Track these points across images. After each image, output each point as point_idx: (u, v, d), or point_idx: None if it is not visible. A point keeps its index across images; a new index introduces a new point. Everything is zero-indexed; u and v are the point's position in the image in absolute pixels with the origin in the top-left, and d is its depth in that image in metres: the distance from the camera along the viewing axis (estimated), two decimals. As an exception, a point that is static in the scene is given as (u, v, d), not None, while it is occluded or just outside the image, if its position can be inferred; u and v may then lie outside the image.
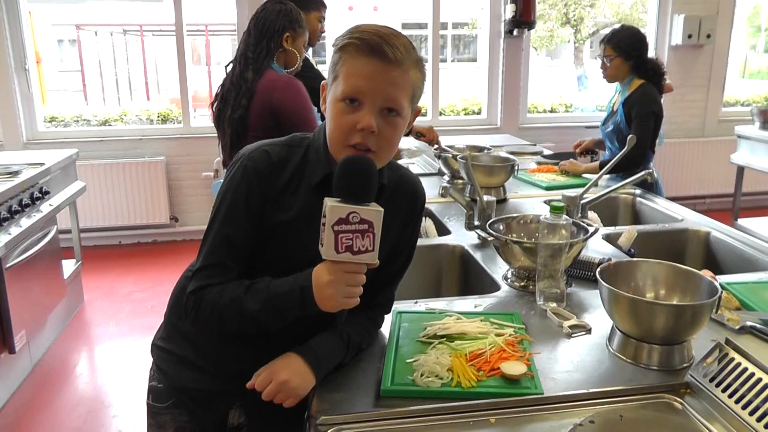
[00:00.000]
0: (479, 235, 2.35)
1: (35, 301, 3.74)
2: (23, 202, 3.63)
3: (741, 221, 5.67)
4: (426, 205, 2.85)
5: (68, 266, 4.47)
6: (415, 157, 4.05)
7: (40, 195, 3.85)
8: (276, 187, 1.39)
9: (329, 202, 1.21)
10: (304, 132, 1.51)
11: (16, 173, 3.76)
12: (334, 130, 1.35)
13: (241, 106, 2.86)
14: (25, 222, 3.61)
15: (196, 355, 1.54)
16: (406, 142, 4.15)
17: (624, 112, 3.48)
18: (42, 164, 4.01)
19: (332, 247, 1.22)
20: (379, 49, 1.29)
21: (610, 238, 2.42)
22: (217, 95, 3.04)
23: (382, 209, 1.23)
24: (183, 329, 1.56)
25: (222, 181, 1.45)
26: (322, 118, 1.56)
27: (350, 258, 1.23)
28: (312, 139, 1.46)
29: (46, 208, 3.89)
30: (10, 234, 3.41)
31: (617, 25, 3.66)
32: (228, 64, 3.07)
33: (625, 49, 3.46)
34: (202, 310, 1.38)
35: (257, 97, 2.86)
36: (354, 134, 1.32)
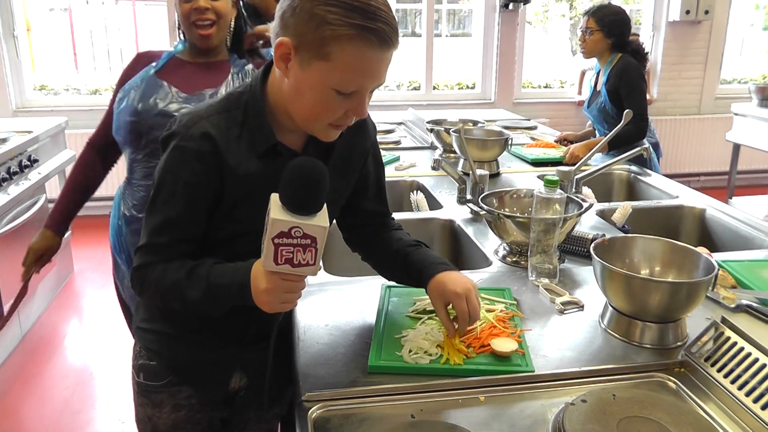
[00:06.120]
0: (471, 209, 2.32)
1: (24, 271, 3.69)
2: (11, 170, 3.59)
3: (735, 199, 5.65)
4: (417, 179, 2.84)
5: (57, 236, 4.43)
6: None
7: (29, 163, 3.80)
8: (218, 162, 1.30)
9: (271, 214, 1.13)
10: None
11: (4, 140, 3.70)
12: (321, 113, 1.26)
13: None
14: (14, 190, 3.58)
15: (186, 329, 1.49)
16: None
17: (607, 90, 3.43)
18: (30, 132, 3.95)
19: (271, 259, 1.15)
20: (388, 41, 1.20)
21: (604, 214, 2.39)
22: None
23: (328, 225, 1.15)
24: (162, 307, 1.50)
25: None
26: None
27: (290, 270, 1.16)
28: (248, 96, 1.34)
29: (34, 176, 3.85)
30: (-3, 202, 3.37)
31: (605, 1, 3.61)
32: None
33: (607, 25, 3.39)
34: (146, 288, 1.34)
35: None
36: (343, 119, 1.27)
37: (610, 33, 3.40)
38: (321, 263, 1.20)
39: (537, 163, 3.19)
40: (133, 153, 2.11)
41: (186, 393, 1.53)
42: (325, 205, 1.17)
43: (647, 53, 3.51)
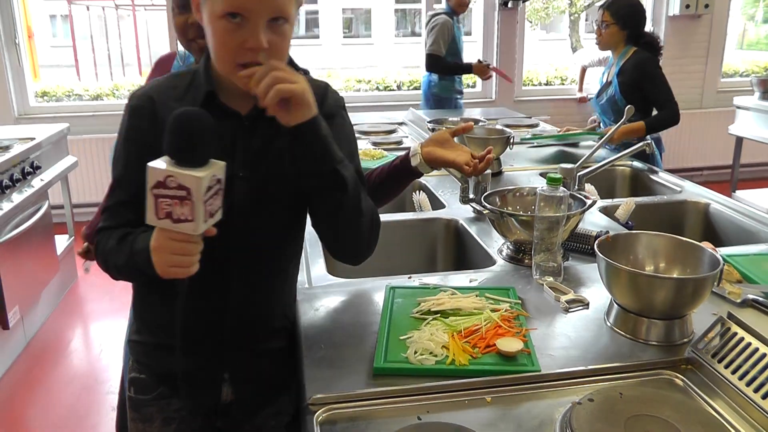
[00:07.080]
0: (474, 208, 2.31)
1: (28, 277, 3.72)
2: (14, 177, 3.59)
3: (739, 193, 5.65)
4: (420, 179, 2.83)
5: (61, 242, 4.44)
6: None
7: (32, 170, 3.80)
8: (153, 118, 1.31)
9: (150, 164, 1.11)
10: None
11: (6, 148, 3.70)
12: (219, 50, 1.25)
13: None
14: (17, 197, 3.58)
15: (172, 338, 1.44)
16: None
17: (619, 82, 3.43)
18: (33, 139, 3.96)
19: (153, 212, 1.13)
20: None
21: (608, 211, 2.39)
22: None
23: (204, 175, 1.11)
24: (149, 319, 1.51)
25: None
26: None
27: (171, 226, 1.13)
28: (198, 65, 1.38)
29: (37, 183, 3.85)
30: (1, 209, 3.38)
31: None
32: None
33: (622, 17, 3.42)
34: (98, 255, 1.37)
35: None
36: (243, 53, 1.23)
37: (626, 25, 3.44)
38: (205, 223, 1.15)
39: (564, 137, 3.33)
40: None
41: (176, 405, 1.51)
42: (218, 164, 1.15)
43: (662, 46, 3.51)
